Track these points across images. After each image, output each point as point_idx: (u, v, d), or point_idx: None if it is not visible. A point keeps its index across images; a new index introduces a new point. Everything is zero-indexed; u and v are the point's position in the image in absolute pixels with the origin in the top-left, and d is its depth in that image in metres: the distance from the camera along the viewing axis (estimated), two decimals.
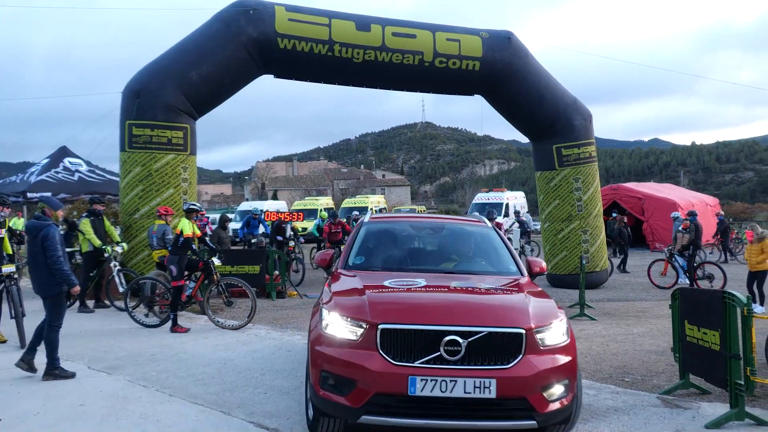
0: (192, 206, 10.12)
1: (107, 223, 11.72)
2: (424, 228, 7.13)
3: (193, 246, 9.78)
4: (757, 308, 10.57)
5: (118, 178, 13.99)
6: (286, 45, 12.73)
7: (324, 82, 14.48)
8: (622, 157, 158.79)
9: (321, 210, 33.37)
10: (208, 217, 21.57)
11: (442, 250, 6.69)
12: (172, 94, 12.39)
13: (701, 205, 28.34)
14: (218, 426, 5.23)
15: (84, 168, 16.84)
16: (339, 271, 5.89)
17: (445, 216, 9.05)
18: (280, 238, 16.15)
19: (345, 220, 22.20)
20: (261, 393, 6.16)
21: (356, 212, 26.78)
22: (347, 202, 40.09)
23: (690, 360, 6.19)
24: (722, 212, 27.98)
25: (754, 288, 11.20)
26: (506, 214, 33.63)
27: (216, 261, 9.86)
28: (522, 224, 22.48)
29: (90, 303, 11.47)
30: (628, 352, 8.24)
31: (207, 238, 11.06)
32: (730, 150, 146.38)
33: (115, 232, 11.95)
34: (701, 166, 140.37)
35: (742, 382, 5.25)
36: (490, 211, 20.90)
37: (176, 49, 12.80)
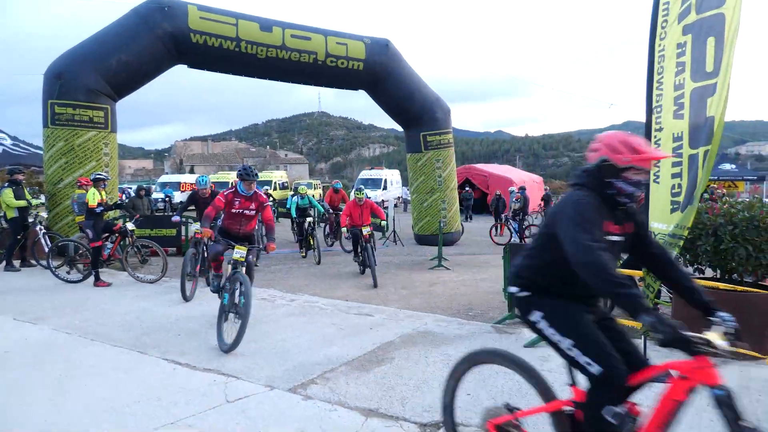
0: (98, 176, 9.26)
1: (26, 190, 10.65)
2: None
3: (97, 210, 8.95)
4: None
5: (42, 152, 12.66)
6: (198, 40, 11.98)
7: (232, 74, 13.78)
8: (474, 144, 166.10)
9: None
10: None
11: None
12: (93, 78, 11.31)
13: (530, 182, 30.27)
14: (136, 363, 4.97)
15: (8, 142, 15.11)
16: None
17: None
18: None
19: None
20: (174, 335, 5.91)
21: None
22: None
23: None
24: (548, 188, 30.20)
25: None
26: (384, 188, 34.22)
27: (129, 225, 9.34)
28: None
29: (16, 263, 10.41)
30: (473, 293, 8.65)
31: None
32: (553, 141, 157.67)
33: (29, 195, 10.77)
34: (531, 152, 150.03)
35: None
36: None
37: (96, 38, 11.65)
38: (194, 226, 8.35)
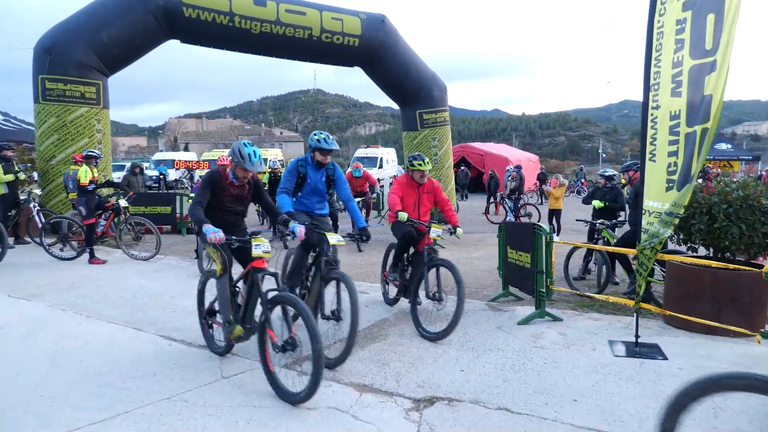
0: (90, 153, 9.22)
1: (16, 167, 10.53)
2: None
3: (89, 188, 8.88)
4: (555, 237, 11.55)
5: (33, 128, 12.49)
6: (191, 14, 11.75)
7: (226, 49, 13.58)
8: (471, 123, 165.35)
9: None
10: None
11: None
12: (84, 52, 11.11)
13: (526, 161, 30.20)
14: (131, 340, 4.98)
15: None
16: None
17: None
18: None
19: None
20: (170, 312, 5.92)
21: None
22: None
23: (510, 275, 6.67)
24: (543, 167, 30.27)
25: (554, 222, 12.25)
26: (380, 166, 34.08)
27: (123, 202, 9.28)
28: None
29: (10, 240, 10.33)
30: (467, 272, 8.65)
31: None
32: (549, 120, 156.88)
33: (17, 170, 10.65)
34: (528, 131, 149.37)
35: (544, 290, 5.76)
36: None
37: (86, 11, 11.41)
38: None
